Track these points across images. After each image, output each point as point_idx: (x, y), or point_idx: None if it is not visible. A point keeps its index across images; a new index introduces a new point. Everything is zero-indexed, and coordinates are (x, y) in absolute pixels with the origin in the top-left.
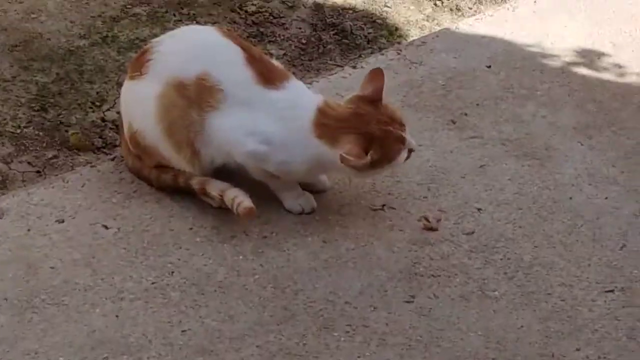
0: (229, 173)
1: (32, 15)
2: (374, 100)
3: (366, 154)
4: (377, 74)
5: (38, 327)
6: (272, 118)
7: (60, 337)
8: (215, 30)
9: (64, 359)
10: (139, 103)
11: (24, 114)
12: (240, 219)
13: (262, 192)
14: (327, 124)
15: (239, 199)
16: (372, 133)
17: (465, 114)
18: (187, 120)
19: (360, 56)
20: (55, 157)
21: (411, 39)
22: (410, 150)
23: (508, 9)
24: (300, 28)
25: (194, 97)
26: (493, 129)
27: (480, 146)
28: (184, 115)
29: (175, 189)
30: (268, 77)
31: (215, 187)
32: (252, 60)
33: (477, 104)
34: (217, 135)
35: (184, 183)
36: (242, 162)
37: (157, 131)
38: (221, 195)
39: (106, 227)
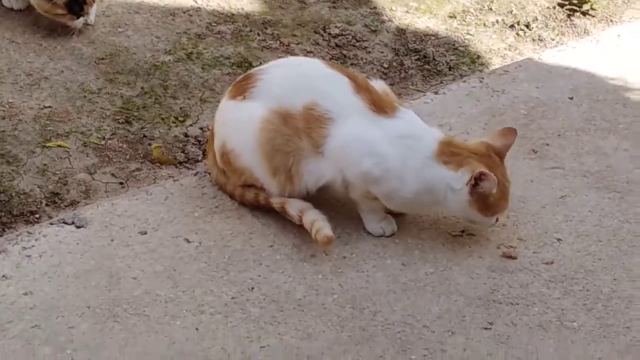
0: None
1: (119, 30)
2: (500, 154)
3: None
4: (510, 132)
5: (119, 336)
6: (388, 143)
7: (141, 347)
8: (320, 61)
9: None
10: (240, 125)
11: (108, 125)
12: (318, 245)
13: (342, 212)
14: (456, 152)
15: (319, 225)
16: (497, 179)
17: (547, 144)
18: (290, 147)
19: (441, 82)
20: (138, 169)
21: (493, 67)
22: (497, 219)
23: (591, 41)
24: (382, 52)
25: (302, 126)
26: (574, 160)
27: (561, 177)
28: (288, 143)
29: (255, 206)
30: (379, 105)
31: (294, 207)
32: (361, 89)
33: (559, 135)
34: (337, 151)
35: (264, 201)
36: (351, 181)
37: (256, 154)
38: (300, 216)
39: (188, 241)
